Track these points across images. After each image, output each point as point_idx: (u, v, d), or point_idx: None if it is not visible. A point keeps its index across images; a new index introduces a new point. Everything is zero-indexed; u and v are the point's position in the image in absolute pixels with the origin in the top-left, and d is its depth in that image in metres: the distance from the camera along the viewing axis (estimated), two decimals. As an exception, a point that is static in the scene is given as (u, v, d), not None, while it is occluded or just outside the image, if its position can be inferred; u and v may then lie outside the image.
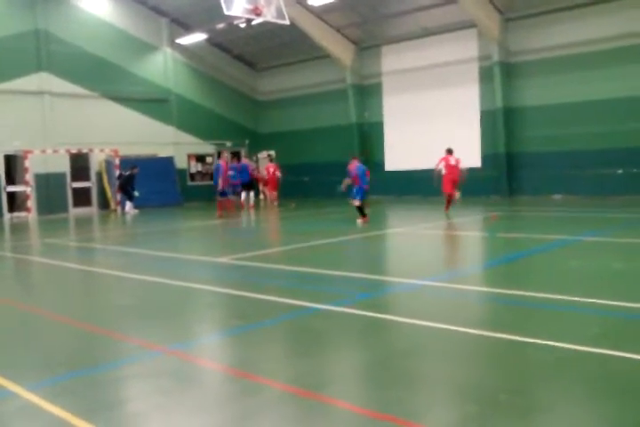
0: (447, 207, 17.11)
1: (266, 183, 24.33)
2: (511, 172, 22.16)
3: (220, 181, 18.86)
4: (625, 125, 19.62)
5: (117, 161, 23.65)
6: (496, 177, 22.41)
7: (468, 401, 3.84)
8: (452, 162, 16.90)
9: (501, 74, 21.95)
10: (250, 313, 6.41)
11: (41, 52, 23.20)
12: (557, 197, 20.94)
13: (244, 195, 22.31)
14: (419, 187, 23.76)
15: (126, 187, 22.23)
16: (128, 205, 22.34)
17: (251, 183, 22.69)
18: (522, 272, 8.28)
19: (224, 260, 9.98)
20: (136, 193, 22.22)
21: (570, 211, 16.51)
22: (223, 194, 19.18)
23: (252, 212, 21.06)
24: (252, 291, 7.34)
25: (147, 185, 24.77)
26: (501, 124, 22.15)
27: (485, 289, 7.37)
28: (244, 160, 24.21)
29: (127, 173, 22.34)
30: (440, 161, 17.04)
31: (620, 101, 19.55)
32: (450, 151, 17.03)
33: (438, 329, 5.41)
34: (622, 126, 19.62)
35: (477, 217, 16.63)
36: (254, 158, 27.84)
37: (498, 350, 4.89)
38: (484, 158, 22.84)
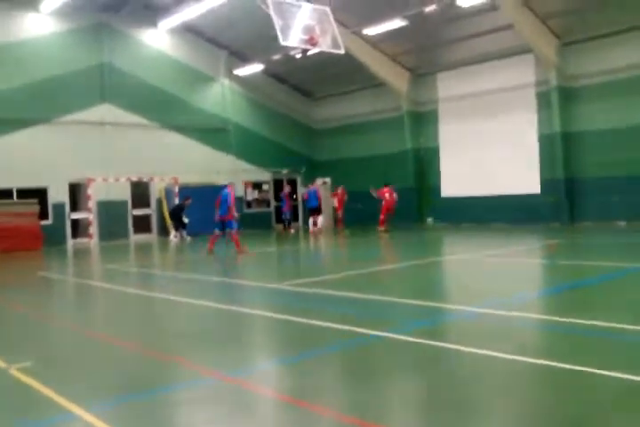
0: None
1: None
2: (572, 198, 21.65)
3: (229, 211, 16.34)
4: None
5: (177, 189, 24.15)
6: (556, 203, 21.93)
7: (531, 433, 3.71)
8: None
9: (559, 99, 21.61)
10: (307, 340, 6.38)
11: (105, 84, 24.07)
12: (621, 223, 20.32)
13: (311, 220, 23.56)
14: (475, 213, 23.48)
15: (177, 215, 23.03)
16: (173, 233, 23.27)
17: (319, 208, 23.90)
18: (583, 300, 8.02)
19: (281, 286, 10.00)
20: (185, 220, 22.98)
21: (634, 238, 15.99)
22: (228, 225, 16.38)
23: (315, 237, 21.21)
24: (309, 317, 7.31)
25: (205, 213, 25.21)
26: (560, 149, 21.73)
27: (545, 317, 7.16)
28: (315, 185, 25.81)
29: (179, 202, 23.25)
30: None
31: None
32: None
33: (498, 358, 5.27)
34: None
35: (538, 245, 16.25)
36: (309, 186, 27.99)
37: (558, 381, 4.72)
38: (544, 184, 22.39)
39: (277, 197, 28.95)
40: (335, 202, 25.79)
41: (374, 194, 22.76)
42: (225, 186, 17.08)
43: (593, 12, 20.31)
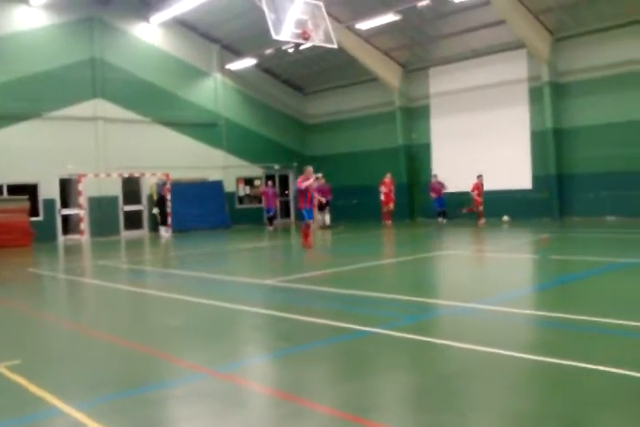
0: None
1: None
2: (562, 193, 21.71)
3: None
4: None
5: (168, 185, 24.09)
6: (547, 198, 21.98)
7: (520, 429, 3.71)
8: None
9: (551, 94, 21.64)
10: (297, 336, 6.37)
11: (96, 79, 23.93)
12: (611, 218, 20.39)
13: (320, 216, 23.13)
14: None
15: (161, 209, 23.38)
16: (164, 228, 23.49)
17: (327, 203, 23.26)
18: (574, 295, 8.04)
19: (271, 282, 9.98)
20: (154, 211, 23.48)
21: (624, 233, 16.04)
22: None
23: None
24: (298, 313, 7.31)
25: (197, 208, 25.27)
26: (552, 144, 21.78)
27: (535, 312, 7.16)
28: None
29: (160, 194, 23.68)
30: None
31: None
32: None
33: (487, 353, 5.27)
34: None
35: (528, 239, 16.29)
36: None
37: (548, 376, 4.72)
38: (535, 180, 22.45)
39: (282, 193, 29.11)
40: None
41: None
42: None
43: (585, 8, 20.33)
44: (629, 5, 19.55)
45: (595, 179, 20.90)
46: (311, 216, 15.32)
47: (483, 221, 21.44)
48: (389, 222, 23.36)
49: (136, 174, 24.09)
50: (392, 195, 23.82)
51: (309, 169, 15.47)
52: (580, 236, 16.41)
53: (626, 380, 4.44)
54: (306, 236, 15.13)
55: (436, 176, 23.82)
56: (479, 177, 21.67)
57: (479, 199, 21.60)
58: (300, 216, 15.07)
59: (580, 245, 14.42)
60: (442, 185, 23.31)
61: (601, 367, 4.69)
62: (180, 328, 7.01)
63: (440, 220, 23.08)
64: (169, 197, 23.68)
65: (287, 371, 5.21)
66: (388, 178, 23.86)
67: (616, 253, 11.77)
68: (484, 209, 21.76)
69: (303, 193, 15.12)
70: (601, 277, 9.26)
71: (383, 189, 23.74)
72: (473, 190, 21.61)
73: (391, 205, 23.71)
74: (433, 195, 23.32)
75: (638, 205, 19.85)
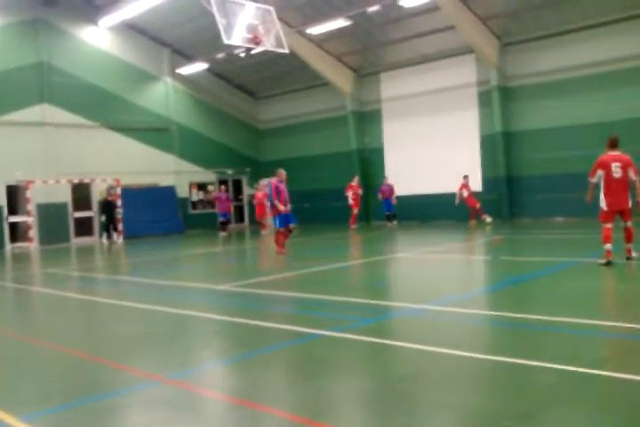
0: None
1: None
2: (512, 195, 22.15)
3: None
4: (623, 148, 19.60)
5: (119, 191, 23.71)
6: (497, 201, 22.39)
7: (472, 427, 3.76)
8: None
9: (500, 98, 22.07)
10: (251, 341, 6.34)
11: (43, 83, 23.43)
12: (559, 219, 20.89)
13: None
14: (420, 212, 23.80)
15: (108, 214, 22.96)
16: (105, 234, 23.17)
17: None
18: (524, 295, 8.20)
19: (225, 287, 9.91)
20: (102, 218, 23.04)
21: (571, 233, 16.44)
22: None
23: (261, 238, 21.05)
24: (253, 318, 7.28)
25: (149, 214, 24.97)
26: (501, 147, 22.21)
27: (488, 313, 7.29)
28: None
29: (105, 199, 23.28)
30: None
31: (617, 124, 19.57)
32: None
33: (441, 354, 5.34)
34: (627, 148, 19.58)
35: (479, 241, 16.56)
36: (255, 186, 27.88)
37: (501, 375, 4.81)
38: (485, 182, 22.85)
39: (236, 198, 28.91)
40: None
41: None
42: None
43: (529, 15, 20.82)
44: (570, 14, 20.12)
45: (543, 181, 21.38)
46: (285, 223, 14.56)
47: (484, 217, 21.15)
48: (354, 226, 23.31)
49: (86, 180, 23.66)
50: (358, 198, 23.76)
51: (283, 172, 15.05)
52: (530, 237, 16.76)
53: (574, 376, 4.55)
54: (280, 241, 14.63)
55: (386, 179, 23.99)
56: (465, 177, 21.62)
57: (472, 199, 21.43)
58: (279, 222, 14.36)
59: (530, 246, 14.73)
60: (390, 188, 23.38)
61: (551, 365, 4.79)
62: (131, 336, 6.90)
63: (390, 223, 23.17)
64: (119, 202, 23.32)
65: (242, 376, 5.18)
66: (355, 182, 23.91)
67: (563, 253, 12.06)
68: (434, 211, 22.02)
69: (279, 197, 14.36)
70: (549, 276, 9.47)
71: (350, 193, 23.65)
72: (461, 189, 21.49)
73: (355, 210, 23.64)
74: (380, 197, 23.51)
75: (584, 205, 20.27)
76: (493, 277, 10.43)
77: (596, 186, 10.40)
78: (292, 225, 14.67)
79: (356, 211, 23.68)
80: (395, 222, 23.15)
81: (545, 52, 21.31)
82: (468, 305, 7.58)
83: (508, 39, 22.12)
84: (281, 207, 14.15)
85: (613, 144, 10.49)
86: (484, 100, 22.69)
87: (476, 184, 22.74)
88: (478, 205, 21.29)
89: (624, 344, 5.50)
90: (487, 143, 22.75)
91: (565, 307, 7.05)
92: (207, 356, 6.10)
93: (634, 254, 10.17)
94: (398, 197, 23.59)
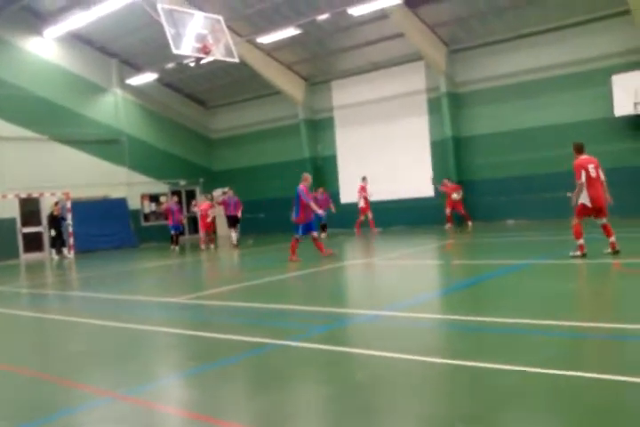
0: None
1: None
2: (464, 199, 22.46)
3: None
4: (569, 150, 20.09)
5: (69, 204, 23.21)
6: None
7: (430, 432, 3.76)
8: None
9: (449, 104, 22.42)
10: (206, 353, 6.24)
11: (-13, 96, 22.87)
12: (510, 222, 21.26)
13: (234, 233, 21.05)
14: (374, 218, 23.93)
15: (56, 229, 22.43)
16: (62, 249, 22.66)
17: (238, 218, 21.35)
18: (476, 298, 8.29)
19: (179, 300, 9.76)
20: (52, 233, 22.41)
21: (522, 235, 16.73)
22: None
23: (213, 250, 20.84)
24: (207, 330, 7.18)
25: (100, 227, 24.51)
26: (452, 153, 22.53)
27: (441, 316, 7.34)
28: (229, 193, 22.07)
29: (51, 213, 22.66)
30: None
31: (562, 127, 20.11)
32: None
33: (396, 359, 5.33)
34: (570, 150, 20.12)
35: (432, 245, 16.72)
36: (209, 196, 27.66)
37: (455, 378, 4.83)
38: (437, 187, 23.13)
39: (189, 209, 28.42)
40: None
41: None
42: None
43: (477, 22, 21.24)
44: (516, 21, 20.59)
45: (493, 184, 21.77)
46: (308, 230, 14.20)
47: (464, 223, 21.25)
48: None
49: (35, 194, 23.10)
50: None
51: (309, 176, 14.53)
52: (482, 240, 17.00)
53: (529, 377, 4.59)
54: (295, 249, 14.19)
55: (321, 189, 22.13)
56: (445, 180, 21.72)
57: (450, 202, 21.43)
58: (298, 229, 14.03)
59: (481, 249, 14.93)
60: (327, 198, 21.73)
61: (506, 366, 4.83)
62: (83, 353, 6.72)
63: (322, 234, 20.75)
64: (69, 216, 22.84)
65: (198, 390, 5.07)
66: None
67: (514, 256, 12.24)
68: (389, 217, 22.14)
69: (305, 205, 13.87)
70: (501, 279, 9.60)
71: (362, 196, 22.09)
72: (445, 190, 21.46)
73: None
74: (317, 208, 21.46)
75: (535, 207, 20.79)
76: (447, 281, 10.52)
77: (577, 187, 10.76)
78: (314, 233, 14.31)
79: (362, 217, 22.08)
80: (324, 233, 21.13)
81: (491, 59, 21.77)
82: (422, 310, 7.62)
83: (455, 46, 22.50)
84: (318, 210, 14.08)
85: (581, 149, 11.17)
86: (434, 106, 23.00)
87: (429, 190, 22.99)
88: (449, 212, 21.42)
89: (578, 344, 5.59)
90: (438, 149, 23.06)
91: (517, 308, 7.14)
92: (162, 370, 5.98)
93: (617, 248, 10.63)
94: (351, 204, 23.61)
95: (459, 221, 21.80)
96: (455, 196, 21.38)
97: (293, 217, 14.06)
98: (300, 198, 13.88)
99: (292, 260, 14.07)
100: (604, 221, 10.71)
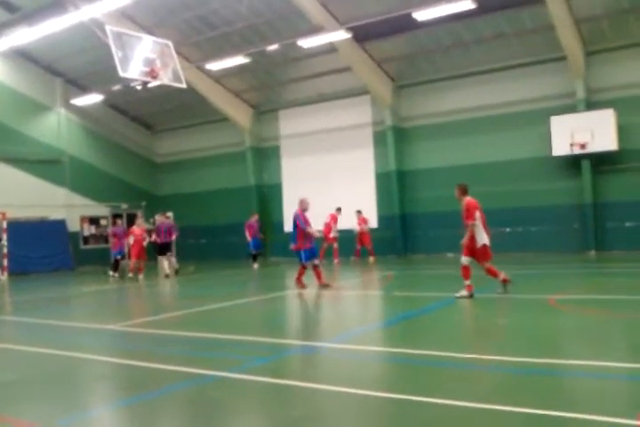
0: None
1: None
2: (406, 231, 22.81)
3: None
4: (508, 186, 20.82)
5: (5, 224, 22.51)
6: (392, 237, 22.98)
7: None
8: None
9: (394, 138, 22.88)
10: (141, 383, 6.10)
11: None
12: (450, 255, 21.62)
13: (166, 262, 19.55)
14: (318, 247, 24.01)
15: None
16: None
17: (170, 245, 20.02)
18: (416, 331, 8.39)
19: (114, 327, 9.55)
20: None
21: (457, 269, 17.01)
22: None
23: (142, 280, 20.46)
24: (143, 360, 7.02)
25: (37, 249, 23.86)
26: (395, 185, 22.92)
27: (382, 349, 7.39)
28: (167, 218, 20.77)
29: None
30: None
31: (503, 164, 20.79)
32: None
33: (335, 392, 5.34)
34: (509, 187, 20.82)
35: (374, 276, 16.86)
36: (151, 221, 27.27)
37: (394, 411, 4.86)
38: (381, 219, 23.45)
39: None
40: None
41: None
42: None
43: (423, 59, 21.87)
44: (461, 60, 21.30)
45: (434, 218, 22.19)
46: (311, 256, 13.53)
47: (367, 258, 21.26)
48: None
49: (-31, 214, 22.35)
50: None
51: (307, 200, 13.82)
52: (421, 272, 17.25)
53: (462, 410, 4.67)
54: (302, 276, 13.69)
55: (254, 216, 22.08)
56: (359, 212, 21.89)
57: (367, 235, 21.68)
58: (301, 257, 13.37)
59: (421, 282, 15.16)
60: (260, 225, 21.71)
61: (439, 400, 4.90)
62: (10, 382, 6.48)
63: (254, 265, 21.12)
64: (4, 236, 22.16)
65: (132, 422, 4.96)
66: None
67: (452, 288, 12.43)
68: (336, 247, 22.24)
69: (302, 230, 13.26)
70: (438, 312, 9.75)
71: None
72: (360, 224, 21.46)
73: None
74: (248, 235, 21.28)
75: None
76: (387, 313, 10.61)
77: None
78: (316, 261, 13.64)
79: (326, 245, 21.50)
80: (255, 264, 21.09)
81: (436, 95, 22.40)
82: (362, 342, 7.66)
83: (402, 82, 23.07)
84: (316, 233, 13.38)
85: (466, 190, 11.64)
86: (380, 139, 23.43)
87: (372, 221, 23.25)
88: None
89: (509, 378, 5.71)
90: (382, 181, 23.42)
91: (451, 342, 7.26)
92: (95, 400, 5.82)
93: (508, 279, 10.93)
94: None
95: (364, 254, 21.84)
96: (363, 227, 21.51)
97: (292, 244, 13.49)
98: (297, 224, 13.38)
99: (299, 287, 13.62)
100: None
